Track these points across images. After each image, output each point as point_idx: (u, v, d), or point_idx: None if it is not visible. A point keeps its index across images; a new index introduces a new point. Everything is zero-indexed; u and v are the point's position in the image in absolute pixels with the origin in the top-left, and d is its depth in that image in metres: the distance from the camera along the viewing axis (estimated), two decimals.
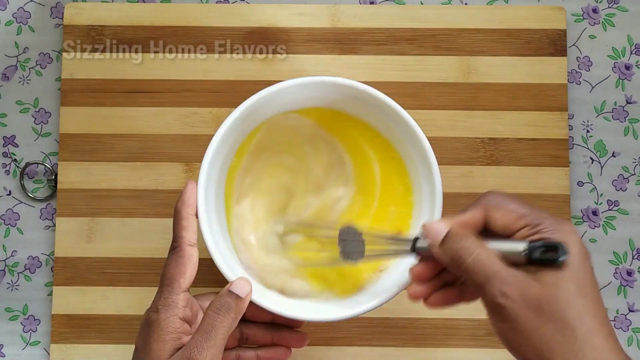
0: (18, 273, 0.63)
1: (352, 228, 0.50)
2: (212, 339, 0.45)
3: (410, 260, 0.48)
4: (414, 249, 0.46)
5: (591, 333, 0.39)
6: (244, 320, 0.52)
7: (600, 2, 0.65)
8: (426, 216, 0.53)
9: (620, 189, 0.64)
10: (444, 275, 0.47)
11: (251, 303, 0.49)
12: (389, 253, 0.50)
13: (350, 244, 0.50)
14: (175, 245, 0.48)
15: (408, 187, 0.55)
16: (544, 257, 0.41)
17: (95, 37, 0.63)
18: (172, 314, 0.46)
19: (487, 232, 0.45)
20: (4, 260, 0.63)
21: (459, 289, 0.47)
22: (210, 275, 0.61)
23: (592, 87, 0.65)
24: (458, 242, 0.43)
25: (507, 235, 0.44)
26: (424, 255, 0.46)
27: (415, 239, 0.47)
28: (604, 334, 0.40)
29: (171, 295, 0.47)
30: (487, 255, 0.42)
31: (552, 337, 0.40)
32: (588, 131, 0.64)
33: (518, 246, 0.42)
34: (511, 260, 0.42)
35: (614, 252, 0.63)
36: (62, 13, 0.64)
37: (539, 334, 0.40)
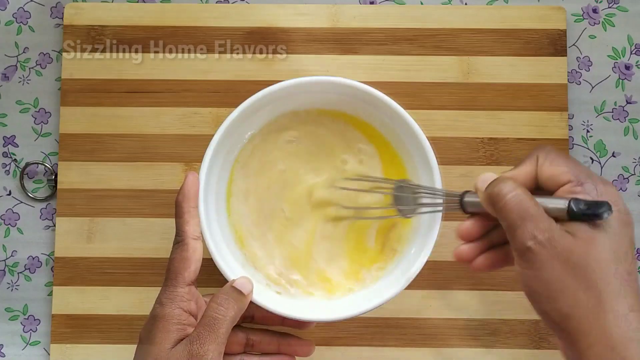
0: (18, 273, 0.63)
1: (406, 182, 0.51)
2: (214, 332, 0.45)
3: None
4: (462, 203, 0.46)
5: (617, 299, 0.38)
6: (252, 325, 0.52)
7: (600, 2, 0.65)
8: (427, 217, 0.52)
9: (620, 189, 0.64)
10: (491, 235, 0.46)
11: (256, 306, 0.49)
12: (438, 208, 0.49)
13: (404, 198, 0.50)
14: (179, 240, 0.48)
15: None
16: (586, 211, 0.39)
17: (95, 37, 0.63)
18: (177, 307, 0.46)
19: (536, 189, 0.44)
20: (4, 260, 0.63)
21: (506, 250, 0.45)
22: (210, 275, 0.61)
23: (592, 87, 0.65)
24: (500, 183, 0.42)
25: (552, 188, 0.42)
26: (472, 211, 0.45)
27: (464, 193, 0.46)
28: (629, 304, 0.38)
29: (176, 289, 0.47)
30: (526, 196, 0.41)
31: (574, 294, 0.38)
32: (588, 131, 0.64)
33: (560, 202, 0.41)
34: (552, 216, 0.41)
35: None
36: (62, 13, 0.64)
37: (562, 287, 0.38)
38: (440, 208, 0.49)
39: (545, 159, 0.43)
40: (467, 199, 0.45)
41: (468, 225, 0.45)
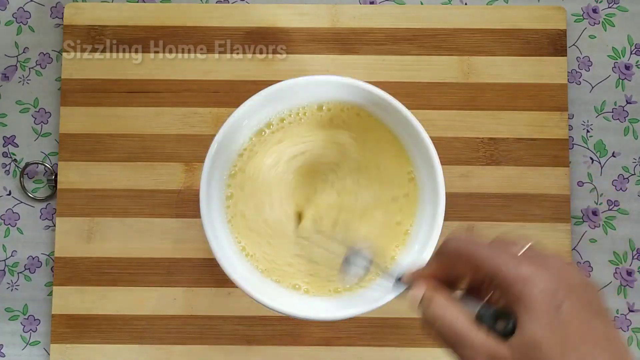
0: (18, 273, 0.63)
1: (362, 252, 0.49)
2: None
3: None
4: (398, 284, 0.45)
5: None
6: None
7: (600, 2, 0.65)
8: (428, 216, 0.53)
9: (620, 189, 0.64)
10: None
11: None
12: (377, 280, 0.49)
13: (353, 266, 0.49)
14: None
15: (411, 186, 0.55)
16: (494, 327, 0.37)
17: (95, 37, 0.63)
18: None
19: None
20: (4, 260, 0.63)
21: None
22: (211, 275, 0.61)
23: (592, 87, 0.65)
24: (427, 307, 0.40)
25: (478, 285, 0.41)
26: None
27: (399, 278, 0.45)
28: None
29: None
30: (454, 319, 0.39)
31: None
32: (588, 131, 0.64)
33: (472, 310, 0.39)
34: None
35: (614, 252, 0.63)
36: (62, 13, 0.64)
37: None
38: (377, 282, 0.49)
39: (457, 261, 0.40)
40: (399, 285, 0.45)
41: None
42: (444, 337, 0.39)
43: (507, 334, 0.37)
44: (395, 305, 0.59)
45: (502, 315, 0.37)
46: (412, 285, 0.43)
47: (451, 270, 0.41)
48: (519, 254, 0.39)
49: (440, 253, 0.42)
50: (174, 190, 0.62)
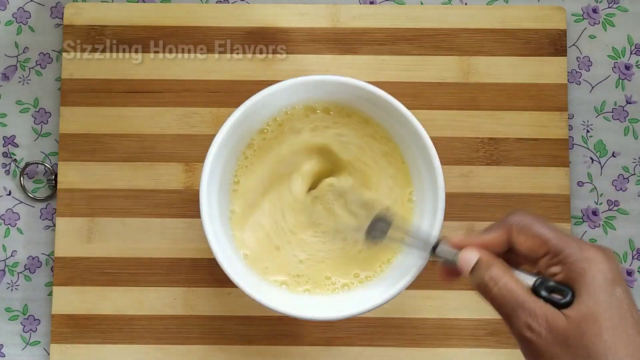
0: (18, 273, 0.63)
1: (388, 214, 0.50)
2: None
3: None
4: (434, 251, 0.46)
5: None
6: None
7: (600, 2, 0.65)
8: (428, 216, 0.53)
9: (620, 189, 0.64)
10: None
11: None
12: (409, 246, 0.49)
13: (378, 227, 0.49)
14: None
15: (410, 185, 0.55)
16: (550, 297, 0.40)
17: (95, 37, 0.63)
18: None
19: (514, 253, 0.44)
20: (4, 260, 0.63)
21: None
22: (211, 275, 0.61)
23: (592, 87, 0.65)
24: (485, 271, 0.42)
25: (531, 260, 0.43)
26: (444, 262, 0.46)
27: (437, 243, 0.46)
28: None
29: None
30: (514, 285, 0.41)
31: None
32: (588, 131, 0.64)
33: (528, 279, 0.41)
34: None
35: (613, 252, 0.63)
36: (62, 13, 0.64)
37: None
38: (409, 248, 0.49)
39: (520, 232, 0.43)
40: (439, 248, 0.46)
41: (445, 270, 0.47)
42: (502, 301, 0.41)
43: (560, 307, 0.39)
44: (395, 305, 0.59)
45: (557, 289, 0.40)
46: (463, 250, 0.44)
47: (509, 241, 0.43)
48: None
49: (504, 223, 0.44)
50: (174, 190, 0.62)
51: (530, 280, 0.41)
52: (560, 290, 0.40)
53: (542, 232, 0.42)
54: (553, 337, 0.39)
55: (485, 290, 0.42)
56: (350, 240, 0.54)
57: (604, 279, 0.39)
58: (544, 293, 0.40)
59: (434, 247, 0.46)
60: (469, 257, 0.44)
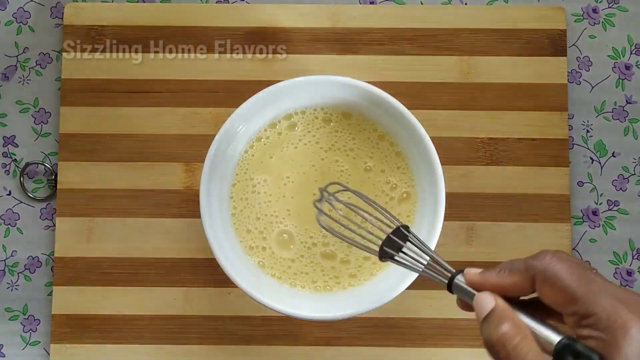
0: (18, 273, 0.63)
1: (405, 231, 0.45)
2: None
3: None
4: (449, 286, 0.42)
5: None
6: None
7: (600, 2, 0.65)
8: (428, 216, 0.53)
9: (620, 189, 0.64)
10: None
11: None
12: (424, 274, 0.44)
13: (393, 245, 0.45)
14: None
15: (410, 186, 0.55)
16: None
17: (95, 37, 0.63)
18: None
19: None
20: (4, 260, 0.63)
21: None
22: (211, 275, 0.61)
23: (592, 87, 0.65)
24: (500, 327, 0.38)
25: (555, 310, 0.38)
26: (457, 294, 0.42)
27: (454, 275, 0.42)
28: None
29: None
30: (528, 348, 0.37)
31: None
32: (588, 131, 0.64)
33: (552, 338, 0.37)
34: (543, 346, 0.37)
35: (614, 252, 0.63)
36: (62, 13, 0.64)
37: None
38: (425, 275, 0.44)
39: (544, 283, 0.38)
40: (457, 282, 0.42)
41: (464, 303, 0.43)
42: None
43: None
44: (395, 305, 0.59)
45: (585, 356, 0.35)
46: (479, 291, 0.40)
47: (531, 288, 0.39)
48: (618, 295, 0.37)
49: (527, 266, 0.39)
50: (174, 190, 0.62)
51: (555, 338, 0.37)
52: (587, 357, 0.35)
53: (571, 287, 0.37)
54: None
55: (497, 348, 0.38)
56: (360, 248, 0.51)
57: (637, 352, 0.35)
58: (566, 356, 0.36)
59: (450, 283, 0.42)
60: (483, 305, 0.39)
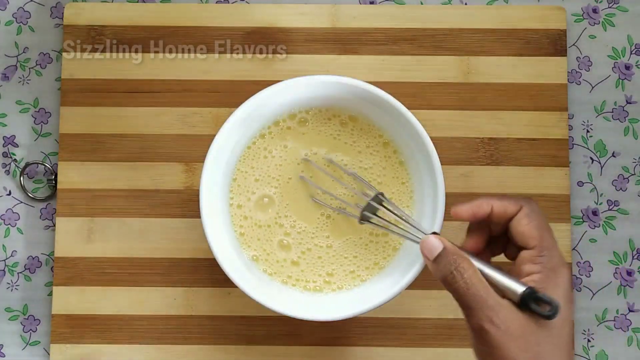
0: (18, 273, 0.63)
1: (382, 197, 0.52)
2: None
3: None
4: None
5: None
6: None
7: (600, 2, 0.65)
8: (428, 216, 0.53)
9: (620, 189, 0.64)
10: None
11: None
12: (401, 234, 0.50)
13: (374, 207, 0.51)
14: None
15: (410, 186, 0.55)
16: (536, 309, 0.42)
17: (95, 37, 0.63)
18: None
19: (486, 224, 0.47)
20: (4, 260, 0.63)
21: (503, 242, 0.48)
22: (211, 275, 0.61)
23: (592, 87, 0.65)
24: (452, 263, 0.44)
25: (517, 243, 0.45)
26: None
27: (432, 234, 0.47)
28: None
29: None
30: (478, 280, 0.43)
31: None
32: (588, 131, 0.64)
33: (516, 287, 0.43)
34: (504, 294, 0.43)
35: (614, 252, 0.63)
36: (62, 13, 0.64)
37: None
38: (402, 236, 0.50)
39: (527, 215, 0.45)
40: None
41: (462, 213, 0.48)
42: (465, 296, 0.43)
43: (544, 318, 0.42)
44: (395, 305, 0.59)
45: (542, 301, 0.42)
46: (427, 237, 0.46)
47: (511, 216, 0.46)
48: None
49: (517, 199, 0.46)
50: (174, 190, 0.62)
51: (519, 288, 0.43)
52: (547, 302, 0.42)
53: (541, 228, 0.45)
54: (511, 333, 0.42)
55: (450, 282, 0.44)
56: (350, 218, 0.55)
57: (566, 298, 0.43)
58: (530, 305, 0.42)
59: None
60: (434, 245, 0.46)
